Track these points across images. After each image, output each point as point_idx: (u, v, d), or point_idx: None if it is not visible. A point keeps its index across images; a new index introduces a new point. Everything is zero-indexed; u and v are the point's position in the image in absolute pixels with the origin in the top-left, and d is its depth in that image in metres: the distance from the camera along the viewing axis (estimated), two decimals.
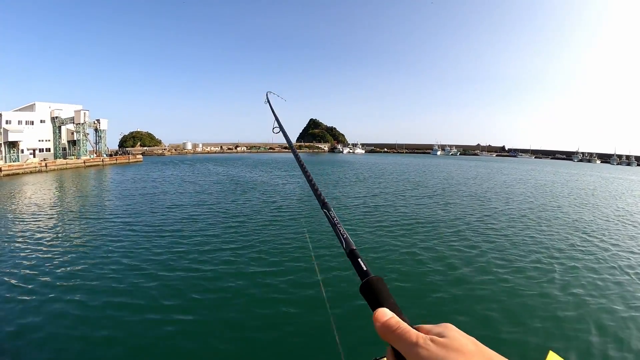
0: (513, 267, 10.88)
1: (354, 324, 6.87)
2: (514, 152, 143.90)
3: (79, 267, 10.76)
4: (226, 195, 24.57)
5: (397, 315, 0.66)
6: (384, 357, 0.65)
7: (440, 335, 0.59)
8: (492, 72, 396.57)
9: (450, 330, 0.61)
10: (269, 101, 4.08)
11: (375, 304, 0.69)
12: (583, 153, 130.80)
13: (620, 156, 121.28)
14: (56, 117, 54.69)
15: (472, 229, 15.47)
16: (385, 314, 0.66)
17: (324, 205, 1.09)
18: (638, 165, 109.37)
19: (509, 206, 21.94)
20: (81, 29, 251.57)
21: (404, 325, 0.63)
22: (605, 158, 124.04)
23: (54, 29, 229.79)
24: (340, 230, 0.93)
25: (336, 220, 0.98)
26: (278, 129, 2.67)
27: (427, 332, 0.61)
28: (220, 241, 13.30)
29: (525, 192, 30.03)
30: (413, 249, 12.45)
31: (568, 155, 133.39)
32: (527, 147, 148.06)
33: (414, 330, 0.62)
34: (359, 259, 0.82)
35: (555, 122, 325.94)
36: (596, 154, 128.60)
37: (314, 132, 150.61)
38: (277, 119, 2.77)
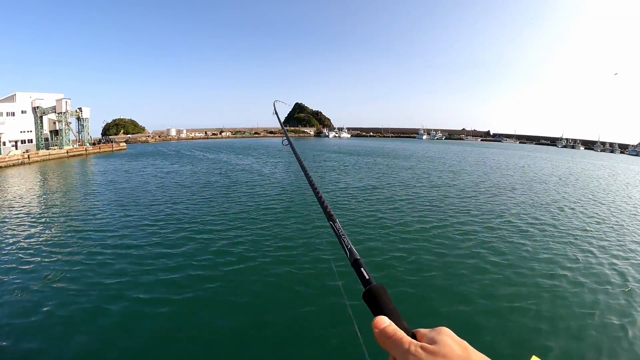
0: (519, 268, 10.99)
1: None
2: (498, 137, 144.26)
3: (72, 267, 10.78)
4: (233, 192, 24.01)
5: (397, 320, 0.71)
6: None
7: (433, 341, 0.62)
8: (477, 57, 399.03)
9: (443, 335, 0.64)
10: (276, 112, 4.29)
11: (376, 310, 0.74)
12: (567, 139, 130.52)
13: (603, 143, 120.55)
14: (37, 107, 52.32)
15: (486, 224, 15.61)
16: (383, 322, 0.69)
17: (330, 217, 1.14)
18: (621, 152, 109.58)
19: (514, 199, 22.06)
20: (59, 15, 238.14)
21: (400, 333, 0.66)
22: (589, 145, 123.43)
23: (30, 16, 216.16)
24: (345, 242, 0.98)
25: (341, 232, 1.03)
26: (287, 143, 2.76)
27: (422, 337, 0.66)
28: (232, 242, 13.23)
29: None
30: (414, 250, 12.51)
31: (552, 141, 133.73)
32: (512, 132, 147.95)
33: (408, 337, 0.65)
34: (362, 268, 0.86)
35: (539, 107, 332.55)
36: (580, 140, 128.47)
37: (300, 116, 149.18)
38: (287, 135, 2.88)
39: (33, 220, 16.28)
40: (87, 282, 9.74)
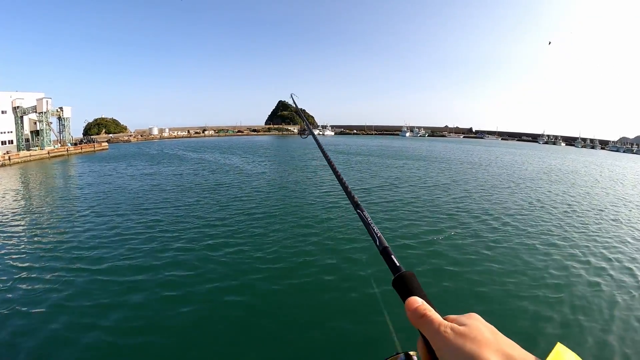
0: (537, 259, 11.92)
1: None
2: (481, 134, 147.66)
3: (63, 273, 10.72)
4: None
5: None
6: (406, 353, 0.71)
7: (462, 324, 0.63)
8: (461, 56, 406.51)
9: (473, 319, 0.65)
10: (296, 105, 3.99)
11: (407, 295, 0.74)
12: (548, 136, 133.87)
13: (584, 139, 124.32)
14: (18, 107, 50.86)
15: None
16: (416, 302, 0.71)
17: (357, 206, 1.12)
18: (602, 148, 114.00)
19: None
20: (37, 12, 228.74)
21: (432, 313, 0.68)
22: (570, 141, 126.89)
23: (6, 14, 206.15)
24: (374, 230, 0.96)
25: (370, 220, 1.01)
26: (307, 134, 2.69)
27: (452, 321, 0.66)
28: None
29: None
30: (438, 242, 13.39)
31: (534, 138, 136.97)
32: (494, 129, 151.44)
33: (439, 318, 0.67)
34: (392, 256, 0.85)
35: (520, 104, 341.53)
36: (561, 136, 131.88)
37: (283, 114, 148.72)
38: (308, 126, 2.79)
39: (6, 230, 15.49)
40: (55, 304, 9.08)
